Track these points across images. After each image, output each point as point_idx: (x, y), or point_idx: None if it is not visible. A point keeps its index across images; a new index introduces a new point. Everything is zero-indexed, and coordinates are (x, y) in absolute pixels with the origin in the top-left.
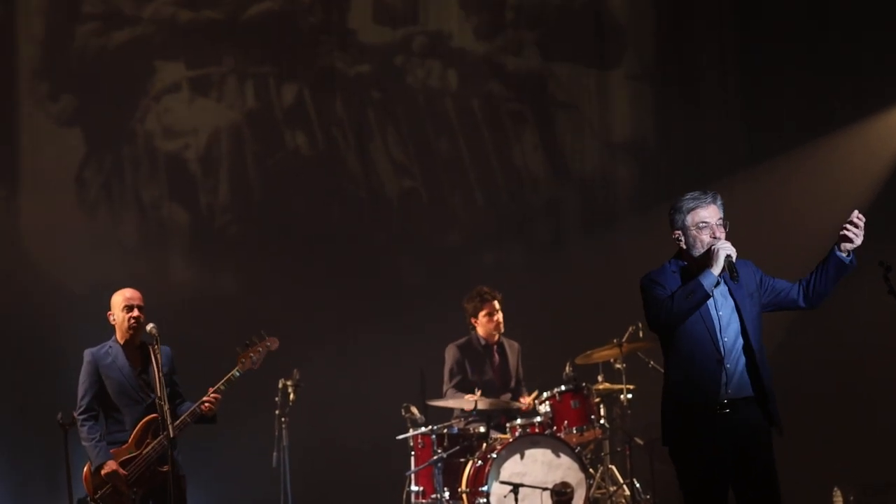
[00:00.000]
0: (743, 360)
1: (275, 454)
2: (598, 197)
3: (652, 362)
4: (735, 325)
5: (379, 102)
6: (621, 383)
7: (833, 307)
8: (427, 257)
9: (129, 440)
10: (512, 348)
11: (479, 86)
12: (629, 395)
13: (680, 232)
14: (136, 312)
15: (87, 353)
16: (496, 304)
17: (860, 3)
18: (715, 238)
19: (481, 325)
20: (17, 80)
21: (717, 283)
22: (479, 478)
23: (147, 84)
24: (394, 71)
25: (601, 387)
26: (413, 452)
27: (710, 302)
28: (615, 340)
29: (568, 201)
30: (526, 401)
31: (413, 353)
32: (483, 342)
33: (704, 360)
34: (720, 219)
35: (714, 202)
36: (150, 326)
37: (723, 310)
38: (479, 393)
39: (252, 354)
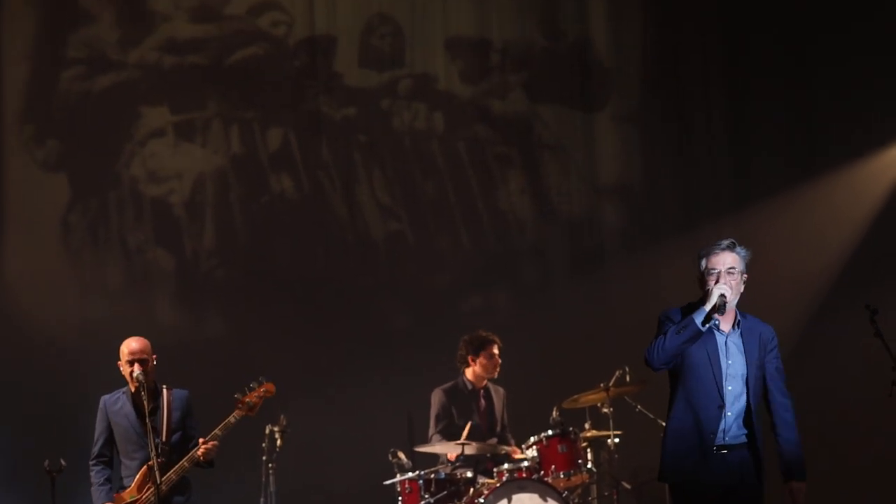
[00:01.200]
0: (744, 410)
1: (262, 500)
2: (584, 239)
3: (639, 406)
4: (741, 376)
5: (365, 146)
6: (608, 428)
7: (821, 350)
8: (414, 301)
9: (133, 484)
10: (497, 393)
11: (465, 128)
12: (616, 440)
13: (700, 275)
14: (136, 367)
15: (101, 400)
16: (496, 348)
17: (848, 47)
18: (717, 282)
19: (479, 366)
20: (2, 124)
21: (708, 322)
22: None
23: (132, 129)
24: (380, 114)
25: (589, 432)
26: (400, 498)
27: (722, 350)
28: (602, 385)
29: (555, 243)
30: (514, 449)
31: (400, 397)
32: (470, 386)
33: (708, 404)
34: (731, 267)
35: (729, 250)
36: (136, 374)
37: (732, 359)
38: (466, 430)
39: (249, 400)
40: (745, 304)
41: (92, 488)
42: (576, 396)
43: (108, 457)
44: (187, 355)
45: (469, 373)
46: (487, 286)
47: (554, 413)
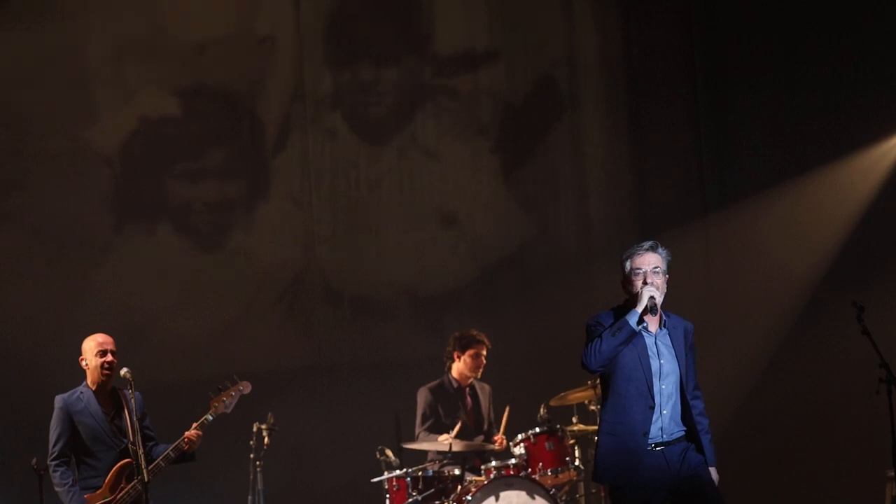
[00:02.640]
0: (679, 406)
1: (249, 498)
2: (572, 236)
3: None
4: (674, 376)
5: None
6: (596, 424)
7: (808, 347)
8: (402, 299)
9: (104, 485)
10: (483, 391)
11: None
12: None
13: (624, 278)
14: (109, 357)
15: (59, 400)
16: (484, 351)
17: (834, 46)
18: (646, 284)
19: (463, 363)
20: None
21: (641, 323)
22: None
23: None
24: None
25: (576, 428)
26: (388, 495)
27: (652, 351)
28: (589, 382)
29: (543, 241)
30: (498, 438)
31: (387, 395)
32: (456, 384)
33: (639, 404)
34: (656, 267)
35: (652, 251)
36: (123, 371)
37: (663, 358)
38: (456, 429)
39: (225, 398)
40: (736, 301)
41: (60, 490)
42: (563, 394)
43: (69, 457)
44: (172, 352)
45: (454, 370)
46: (475, 285)
47: (541, 410)
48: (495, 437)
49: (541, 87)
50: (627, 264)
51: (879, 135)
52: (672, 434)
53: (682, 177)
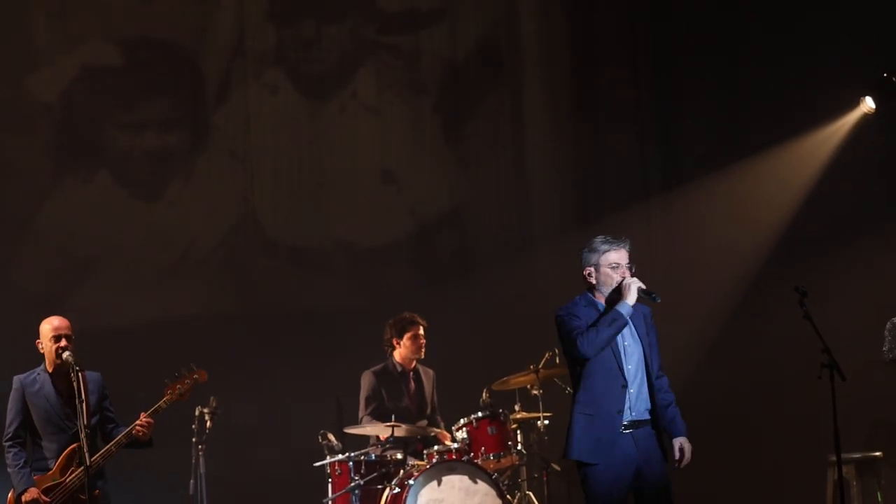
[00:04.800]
0: (644, 386)
1: (192, 481)
2: (514, 221)
3: (569, 388)
4: (637, 354)
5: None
6: (538, 409)
7: (749, 331)
8: (343, 282)
9: (54, 468)
10: (427, 375)
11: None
12: (546, 422)
13: (592, 269)
14: (63, 342)
15: (16, 380)
16: (422, 329)
17: (775, 32)
18: (623, 277)
19: (404, 347)
20: None
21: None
22: None
23: None
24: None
25: (518, 414)
26: (330, 480)
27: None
28: (532, 367)
29: (486, 225)
30: (443, 434)
31: (330, 379)
32: (399, 368)
33: (612, 384)
34: (629, 262)
35: (625, 247)
36: (66, 355)
37: (627, 340)
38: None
39: (180, 386)
40: (677, 285)
41: (10, 471)
42: (505, 378)
43: (23, 438)
44: (118, 338)
45: (397, 355)
46: (417, 268)
47: (484, 395)
48: (442, 434)
49: (483, 49)
50: (599, 258)
51: (821, 119)
52: (641, 414)
53: (624, 158)
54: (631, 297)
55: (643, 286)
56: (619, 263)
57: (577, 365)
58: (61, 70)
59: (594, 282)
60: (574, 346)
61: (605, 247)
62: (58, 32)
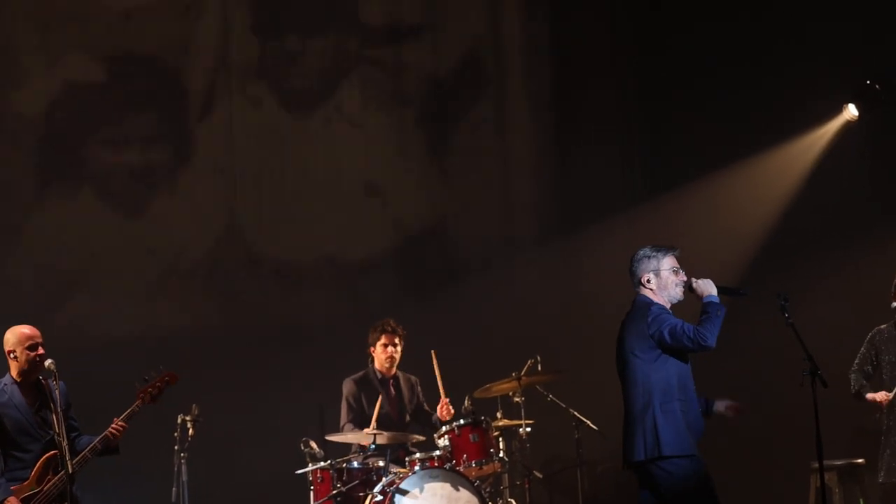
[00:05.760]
0: None
1: (174, 489)
2: (497, 229)
3: (551, 396)
4: None
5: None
6: (520, 417)
7: (732, 337)
8: (325, 291)
9: (30, 477)
10: (408, 382)
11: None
12: (528, 429)
13: (651, 275)
14: (40, 350)
15: None
16: (396, 339)
17: (761, 40)
18: (681, 279)
19: (377, 356)
20: None
21: None
22: None
23: None
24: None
25: (500, 421)
26: (312, 487)
27: None
28: (514, 374)
29: (467, 232)
30: (444, 403)
31: (312, 387)
32: (379, 376)
33: (688, 377)
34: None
35: (676, 253)
36: (48, 362)
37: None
38: (376, 411)
39: (151, 389)
40: None
41: None
42: (488, 386)
43: None
44: (98, 346)
45: (376, 362)
46: (401, 277)
47: (466, 402)
48: (441, 403)
49: (466, 62)
50: (658, 263)
51: (805, 127)
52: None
53: (607, 166)
54: (714, 291)
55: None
56: (676, 267)
57: (657, 361)
58: (44, 87)
59: (654, 287)
60: (696, 339)
61: (660, 253)
62: (41, 50)
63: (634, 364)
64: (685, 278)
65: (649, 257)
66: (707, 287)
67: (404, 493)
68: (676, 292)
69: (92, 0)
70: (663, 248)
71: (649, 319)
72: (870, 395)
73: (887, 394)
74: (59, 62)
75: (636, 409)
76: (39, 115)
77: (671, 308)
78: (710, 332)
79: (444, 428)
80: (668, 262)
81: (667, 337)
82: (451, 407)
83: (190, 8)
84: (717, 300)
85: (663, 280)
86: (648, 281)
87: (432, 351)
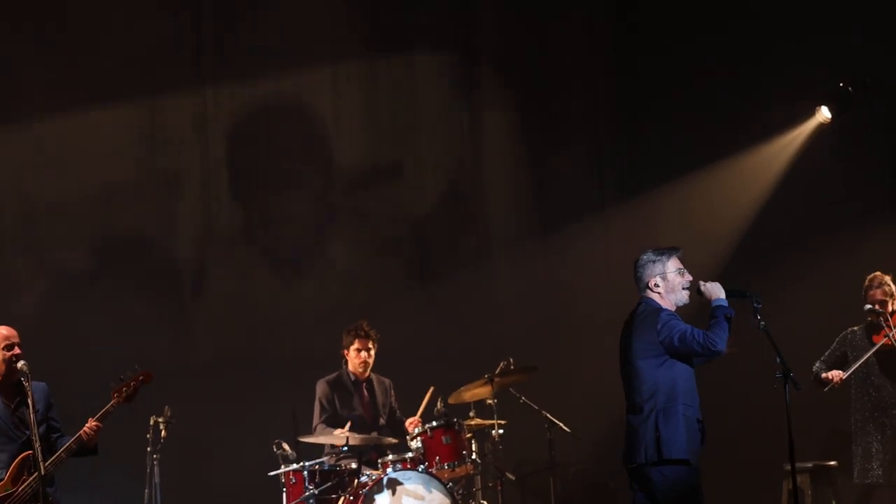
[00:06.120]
0: None
1: (146, 491)
2: (471, 232)
3: (523, 398)
4: None
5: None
6: (493, 418)
7: None
8: (296, 292)
9: (6, 477)
10: (382, 384)
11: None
12: (501, 431)
13: (658, 278)
14: (17, 350)
15: None
16: (369, 343)
17: (731, 47)
18: (687, 280)
19: (350, 359)
20: None
21: None
22: None
23: None
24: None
25: (473, 422)
26: (285, 489)
27: None
28: (487, 376)
29: (440, 237)
30: (414, 420)
31: (285, 388)
32: (353, 378)
33: (692, 384)
34: None
35: (679, 254)
36: (21, 364)
37: None
38: (348, 426)
39: (126, 388)
40: (634, 294)
41: None
42: (461, 390)
43: None
44: (72, 345)
45: (350, 364)
46: (373, 279)
47: (438, 404)
48: (411, 419)
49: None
50: (664, 266)
51: (778, 129)
52: None
53: (581, 168)
54: (723, 294)
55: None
56: (681, 268)
57: (668, 365)
58: (33, 284)
59: (661, 291)
60: (706, 344)
61: (665, 256)
62: (26, 244)
63: (641, 368)
64: (690, 278)
65: (654, 261)
66: (715, 290)
67: (376, 494)
68: (683, 295)
69: (72, 188)
70: (667, 250)
71: (659, 326)
72: (825, 374)
73: (841, 373)
74: (46, 254)
75: (641, 412)
76: (31, 316)
77: (677, 310)
78: (719, 337)
79: (416, 430)
80: (673, 265)
81: (676, 342)
82: (421, 425)
83: (170, 179)
84: (725, 304)
85: (670, 283)
86: (656, 285)
87: (431, 388)
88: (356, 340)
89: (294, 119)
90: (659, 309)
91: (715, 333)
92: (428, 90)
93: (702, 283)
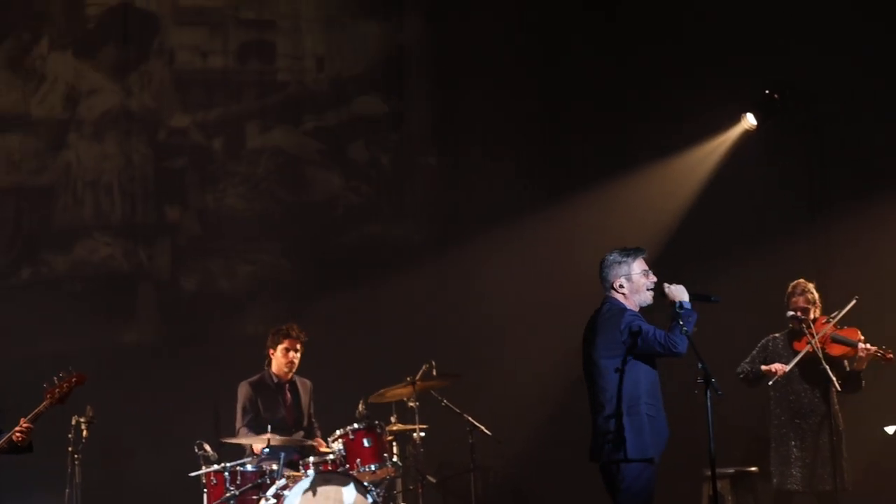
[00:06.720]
0: None
1: (67, 491)
2: (393, 235)
3: (445, 401)
4: None
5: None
6: (414, 422)
7: None
8: (220, 294)
9: None
10: (304, 386)
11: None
12: (422, 434)
13: (623, 279)
14: None
15: None
16: (299, 345)
17: (660, 46)
18: (652, 281)
19: (276, 359)
20: None
21: None
22: None
23: None
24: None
25: (395, 426)
26: (206, 490)
27: None
28: (408, 378)
29: (366, 239)
30: (319, 442)
31: (207, 390)
32: (276, 379)
33: (657, 385)
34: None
35: (644, 255)
36: None
37: None
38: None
39: (58, 390)
40: (559, 296)
41: None
42: (382, 391)
43: None
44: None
45: (273, 365)
46: (294, 282)
47: (360, 406)
48: (317, 441)
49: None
50: (629, 268)
51: (704, 135)
52: None
53: (506, 171)
54: (685, 295)
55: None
56: (646, 270)
57: (624, 366)
58: None
59: (626, 291)
60: (667, 345)
61: (630, 257)
62: None
63: (604, 367)
64: (655, 279)
65: (620, 262)
66: (679, 293)
67: (297, 496)
68: (647, 296)
69: None
70: (632, 250)
71: (622, 326)
72: (765, 367)
73: (783, 365)
74: None
75: (604, 411)
76: None
77: (640, 311)
78: (680, 338)
79: (338, 432)
80: (638, 266)
81: (639, 342)
82: (325, 447)
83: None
84: (689, 306)
85: (635, 284)
86: (621, 286)
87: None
88: (286, 341)
89: None
90: (623, 309)
91: (676, 335)
92: None
93: (666, 284)
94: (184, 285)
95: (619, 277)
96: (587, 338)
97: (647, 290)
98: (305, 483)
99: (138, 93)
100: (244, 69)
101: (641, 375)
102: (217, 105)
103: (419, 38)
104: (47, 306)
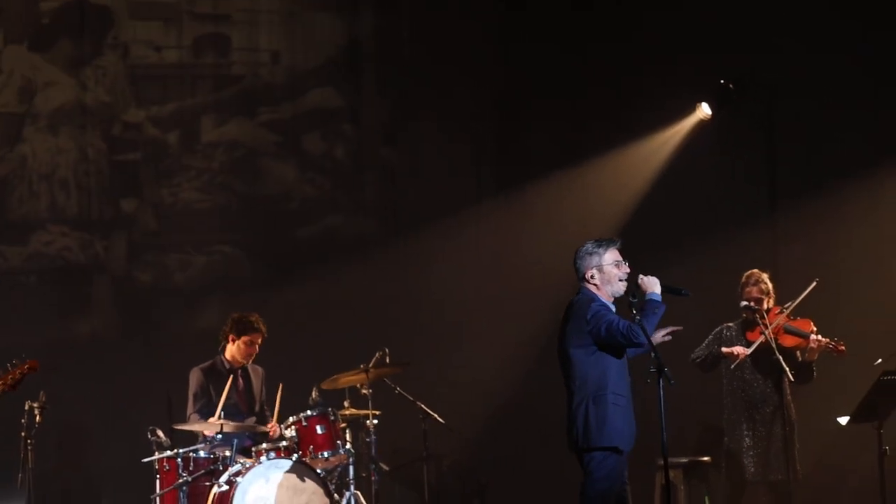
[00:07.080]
0: None
1: (20, 475)
2: (347, 221)
3: (398, 388)
4: None
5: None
6: (367, 409)
7: None
8: (175, 278)
9: None
10: (256, 373)
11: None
12: (375, 421)
13: (594, 270)
14: None
15: None
16: (260, 339)
17: (615, 36)
18: (624, 272)
19: (237, 348)
20: None
21: None
22: (223, 502)
23: None
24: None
25: (347, 412)
26: (158, 476)
27: None
28: (362, 366)
29: (321, 231)
30: (272, 426)
31: (160, 375)
32: (227, 366)
33: (624, 376)
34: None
35: (618, 246)
36: None
37: None
38: (222, 400)
39: (11, 376)
40: (510, 286)
41: None
42: (335, 377)
43: None
44: None
45: (228, 351)
46: (248, 267)
47: (313, 393)
48: (269, 425)
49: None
50: (600, 259)
51: (658, 125)
52: None
53: (459, 160)
54: (658, 287)
55: (664, 283)
56: (619, 260)
57: (597, 356)
58: None
59: (598, 282)
60: (628, 335)
61: (602, 248)
62: None
63: (573, 356)
64: (628, 270)
65: (591, 253)
66: (651, 284)
67: (250, 483)
68: (620, 287)
69: None
70: (605, 241)
71: (588, 316)
72: (727, 349)
73: (745, 349)
74: None
75: (574, 400)
76: None
77: (614, 301)
78: (639, 332)
79: (291, 419)
80: (610, 256)
81: (603, 332)
82: (279, 431)
83: None
84: (658, 298)
85: (606, 275)
86: (592, 276)
87: (280, 384)
88: (251, 333)
89: None
90: (592, 299)
91: (636, 329)
92: None
93: (641, 276)
94: (139, 278)
95: (591, 268)
96: (561, 327)
97: (620, 280)
98: (258, 470)
99: (93, 87)
100: (199, 63)
101: (609, 365)
102: (172, 99)
103: (374, 31)
104: (2, 298)
